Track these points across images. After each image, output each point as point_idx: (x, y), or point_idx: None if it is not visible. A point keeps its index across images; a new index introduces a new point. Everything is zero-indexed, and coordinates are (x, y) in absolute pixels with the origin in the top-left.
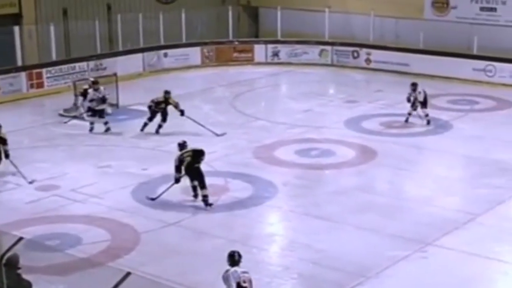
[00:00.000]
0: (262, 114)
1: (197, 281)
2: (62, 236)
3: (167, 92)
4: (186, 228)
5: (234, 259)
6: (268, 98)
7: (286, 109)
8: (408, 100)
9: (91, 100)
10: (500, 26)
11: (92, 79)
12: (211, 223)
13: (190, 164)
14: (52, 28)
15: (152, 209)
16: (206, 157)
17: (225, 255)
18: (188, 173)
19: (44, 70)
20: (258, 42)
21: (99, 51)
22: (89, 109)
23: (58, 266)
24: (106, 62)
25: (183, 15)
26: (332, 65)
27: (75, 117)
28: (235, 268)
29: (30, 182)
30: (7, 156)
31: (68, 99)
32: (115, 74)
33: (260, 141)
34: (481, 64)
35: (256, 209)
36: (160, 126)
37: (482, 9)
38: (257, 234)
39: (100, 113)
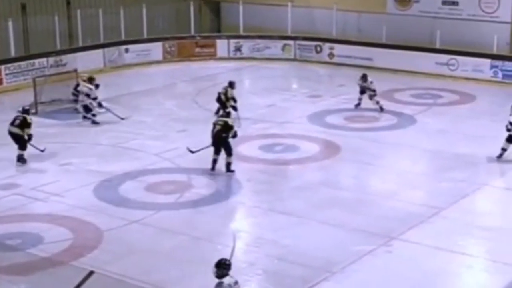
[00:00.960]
0: None
1: (161, 279)
2: (23, 236)
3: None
4: (149, 226)
5: (225, 269)
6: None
7: (249, 104)
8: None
9: (88, 95)
10: (462, 20)
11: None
12: (175, 220)
13: (219, 132)
14: (10, 24)
15: (114, 207)
16: (169, 154)
17: (190, 252)
18: (214, 140)
19: (2, 67)
20: (220, 37)
21: (58, 47)
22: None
23: (20, 266)
24: (66, 58)
25: (144, 10)
26: (295, 59)
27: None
28: (229, 281)
29: (42, 151)
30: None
31: (27, 96)
32: (75, 71)
33: None
34: (444, 58)
35: (220, 206)
36: None
37: (444, 3)
38: (222, 231)
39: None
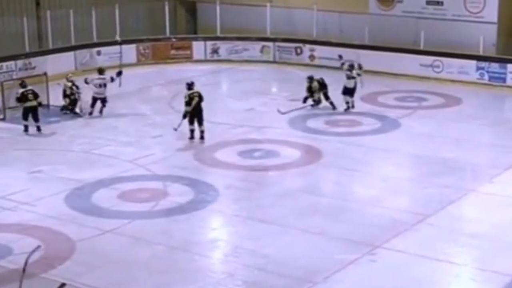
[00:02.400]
0: None
1: None
2: None
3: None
4: (123, 235)
5: None
6: (208, 97)
7: (227, 109)
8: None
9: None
10: (447, 20)
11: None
12: (150, 229)
13: (198, 103)
14: None
15: (87, 216)
16: (143, 160)
17: (166, 263)
18: (193, 110)
19: None
20: (196, 39)
21: (27, 50)
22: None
23: None
24: (36, 61)
25: (116, 11)
26: (274, 62)
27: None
28: None
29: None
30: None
31: None
32: (45, 74)
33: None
34: (429, 59)
35: (197, 214)
36: None
37: (428, 3)
38: (199, 240)
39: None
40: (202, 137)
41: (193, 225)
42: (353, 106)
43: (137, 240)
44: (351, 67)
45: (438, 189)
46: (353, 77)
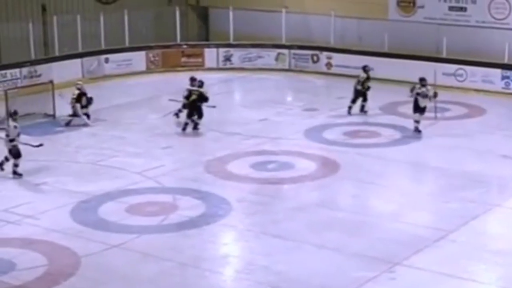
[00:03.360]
0: (213, 124)
1: None
2: None
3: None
4: (131, 251)
5: None
6: (220, 107)
7: (240, 119)
8: None
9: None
10: (470, 27)
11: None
12: (158, 244)
13: (194, 101)
14: None
15: (93, 230)
16: (152, 172)
17: (174, 279)
18: (190, 106)
19: None
20: (208, 46)
21: (33, 57)
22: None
23: None
24: (41, 68)
25: (125, 17)
26: (290, 70)
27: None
28: None
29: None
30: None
31: None
32: (51, 82)
33: (211, 153)
34: (451, 68)
35: (208, 229)
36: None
37: (451, 8)
38: (210, 256)
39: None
40: (195, 128)
41: (203, 240)
42: (419, 131)
43: (145, 256)
44: (423, 85)
45: (460, 204)
46: (427, 96)
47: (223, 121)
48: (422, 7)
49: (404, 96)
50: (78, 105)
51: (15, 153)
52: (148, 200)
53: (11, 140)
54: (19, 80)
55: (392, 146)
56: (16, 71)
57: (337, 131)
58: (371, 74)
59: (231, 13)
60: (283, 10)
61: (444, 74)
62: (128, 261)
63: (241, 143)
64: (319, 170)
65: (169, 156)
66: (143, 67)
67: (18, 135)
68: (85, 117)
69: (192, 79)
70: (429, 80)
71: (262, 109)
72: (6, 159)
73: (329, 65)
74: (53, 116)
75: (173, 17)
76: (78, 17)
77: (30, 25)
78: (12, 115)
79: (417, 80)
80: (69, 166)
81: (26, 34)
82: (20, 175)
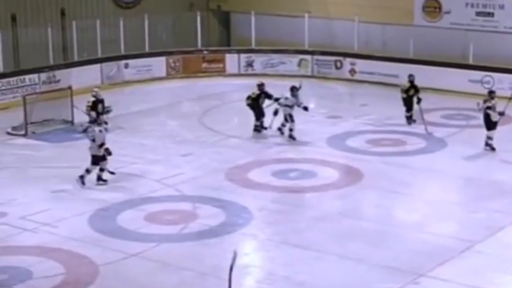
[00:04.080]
0: (235, 131)
1: None
2: (10, 270)
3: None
4: (149, 260)
5: None
6: (241, 114)
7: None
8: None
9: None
10: (498, 33)
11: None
12: (178, 253)
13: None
14: None
15: (111, 239)
16: (172, 180)
17: None
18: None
19: None
20: (230, 51)
21: (52, 62)
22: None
23: None
24: (60, 74)
25: (146, 22)
26: (312, 76)
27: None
28: None
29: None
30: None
31: (16, 116)
32: (69, 88)
33: (233, 161)
34: (478, 75)
35: (228, 238)
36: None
37: (478, 14)
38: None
39: None
40: (255, 130)
41: (224, 249)
42: (493, 149)
43: (164, 265)
44: (492, 97)
45: (487, 214)
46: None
47: (245, 128)
48: (448, 12)
49: (428, 103)
50: (93, 113)
51: (102, 157)
52: (167, 208)
53: (101, 145)
54: (37, 86)
55: (416, 155)
56: (34, 76)
57: (360, 139)
58: (403, 81)
59: (253, 18)
60: (306, 15)
61: (470, 81)
62: (147, 270)
63: (263, 150)
64: (342, 179)
65: (189, 164)
66: (163, 72)
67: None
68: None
69: (259, 85)
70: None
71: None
72: (88, 171)
73: (352, 71)
74: (72, 122)
75: (194, 22)
76: (98, 22)
77: (49, 30)
78: (96, 120)
79: (442, 87)
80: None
81: (45, 39)
82: (105, 181)
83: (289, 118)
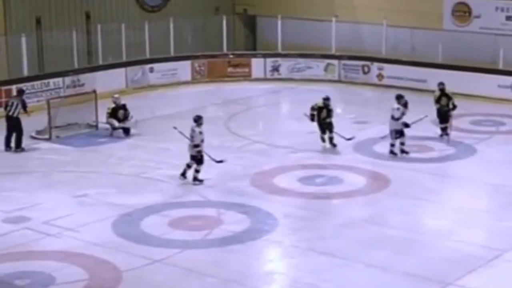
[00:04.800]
0: (260, 136)
1: None
2: (33, 275)
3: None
4: (173, 266)
5: None
6: (267, 119)
7: (288, 131)
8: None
9: None
10: None
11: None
12: (202, 260)
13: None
14: (23, 40)
15: (135, 244)
16: (196, 185)
17: None
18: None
19: (14, 87)
20: (256, 56)
21: (76, 66)
22: None
23: None
24: (85, 78)
25: (171, 25)
26: (339, 81)
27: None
28: None
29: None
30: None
31: (40, 120)
32: (94, 91)
33: (258, 166)
34: (508, 80)
35: (253, 244)
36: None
37: (508, 18)
38: (255, 272)
39: None
40: (331, 143)
41: (248, 256)
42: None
43: (188, 271)
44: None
45: None
46: None
47: (270, 133)
48: (478, 17)
49: (458, 109)
50: (114, 121)
51: (199, 160)
52: (191, 214)
53: (196, 146)
54: (61, 90)
55: (445, 161)
56: (59, 80)
57: (388, 145)
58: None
59: (279, 22)
60: (333, 19)
61: (500, 86)
62: (170, 276)
63: (288, 156)
64: (369, 185)
65: (214, 169)
66: (188, 77)
67: (202, 141)
68: (121, 131)
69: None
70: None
71: (310, 121)
72: (188, 166)
73: (380, 76)
74: (96, 126)
75: (219, 26)
76: (123, 25)
77: (74, 33)
78: (197, 120)
79: (472, 93)
80: (112, 178)
81: (70, 42)
82: (201, 181)
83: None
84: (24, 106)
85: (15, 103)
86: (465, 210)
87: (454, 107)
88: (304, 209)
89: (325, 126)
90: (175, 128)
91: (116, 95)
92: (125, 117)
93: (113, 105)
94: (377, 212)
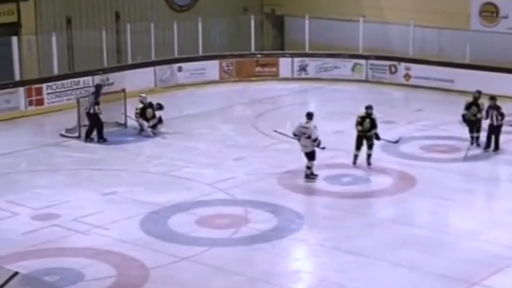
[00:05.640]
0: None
1: None
2: (62, 271)
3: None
4: (200, 264)
5: None
6: (294, 118)
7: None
8: None
9: None
10: None
11: None
12: (229, 258)
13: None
14: (54, 39)
15: (163, 242)
16: (224, 184)
17: None
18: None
19: (44, 86)
20: (283, 55)
21: (106, 65)
22: None
23: None
24: (114, 76)
25: (199, 25)
26: (366, 81)
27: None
28: None
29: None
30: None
31: (70, 118)
32: (123, 90)
33: (285, 166)
34: None
35: (280, 243)
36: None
37: None
38: (281, 271)
39: None
40: (368, 161)
41: (275, 254)
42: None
43: (215, 269)
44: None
45: None
46: None
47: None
48: (506, 17)
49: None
50: (143, 121)
51: (314, 155)
52: (219, 213)
53: (315, 140)
54: (91, 88)
55: (472, 162)
56: (88, 79)
57: (414, 145)
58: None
59: (307, 22)
60: (361, 19)
61: None
62: (197, 274)
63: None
64: (395, 185)
65: (241, 168)
66: (216, 76)
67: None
68: (149, 130)
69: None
70: None
71: (337, 121)
72: (308, 168)
73: (407, 76)
74: (125, 125)
75: (247, 26)
76: (152, 25)
77: (104, 32)
78: (310, 115)
79: (499, 93)
80: (140, 176)
81: (99, 41)
82: (316, 175)
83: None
84: (96, 102)
85: (90, 99)
86: (492, 211)
87: (481, 118)
88: (330, 208)
89: (367, 139)
90: (275, 131)
91: (143, 95)
92: (153, 116)
93: (141, 105)
94: (403, 212)
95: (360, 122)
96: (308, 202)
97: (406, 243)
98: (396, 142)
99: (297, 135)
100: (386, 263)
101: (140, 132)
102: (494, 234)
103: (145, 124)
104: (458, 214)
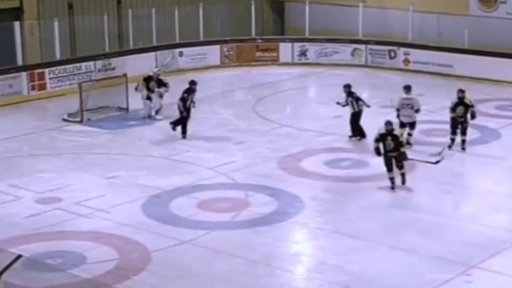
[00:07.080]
0: (287, 120)
1: None
2: (64, 254)
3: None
4: (201, 247)
5: None
6: (294, 103)
7: (315, 115)
8: None
9: None
10: None
11: None
12: (229, 241)
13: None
14: (56, 24)
15: (164, 225)
16: (224, 168)
17: (245, 277)
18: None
19: (46, 70)
20: (283, 40)
21: (107, 50)
22: None
23: None
24: (115, 61)
25: (200, 10)
26: (366, 66)
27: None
28: None
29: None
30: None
31: (72, 103)
32: (125, 75)
33: (285, 150)
34: None
35: (280, 226)
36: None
37: None
38: (281, 254)
39: None
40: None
41: (275, 238)
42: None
43: (215, 252)
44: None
45: None
46: None
47: (297, 117)
48: (504, 2)
49: (483, 94)
50: (143, 88)
51: (413, 125)
52: (219, 196)
53: (417, 111)
54: (93, 73)
55: (470, 146)
56: (90, 64)
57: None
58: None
59: (307, 7)
60: (360, 4)
61: None
62: (198, 257)
63: (315, 139)
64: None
65: (242, 152)
66: (217, 61)
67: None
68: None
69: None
70: None
71: (337, 105)
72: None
73: (406, 61)
74: (127, 109)
75: (248, 11)
76: (153, 10)
77: (105, 18)
78: (409, 87)
79: (497, 78)
80: (142, 160)
81: (101, 27)
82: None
83: None
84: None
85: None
86: (490, 194)
87: (473, 117)
88: (330, 192)
89: (394, 159)
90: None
91: (158, 69)
92: (153, 91)
93: (150, 73)
94: (402, 195)
95: (382, 140)
96: (308, 186)
97: (405, 227)
98: (437, 162)
99: (399, 109)
100: (385, 247)
101: (137, 88)
102: (493, 218)
103: (144, 89)
104: (456, 198)
